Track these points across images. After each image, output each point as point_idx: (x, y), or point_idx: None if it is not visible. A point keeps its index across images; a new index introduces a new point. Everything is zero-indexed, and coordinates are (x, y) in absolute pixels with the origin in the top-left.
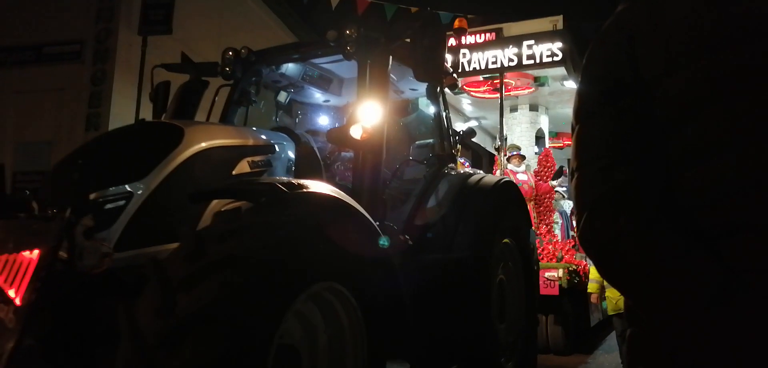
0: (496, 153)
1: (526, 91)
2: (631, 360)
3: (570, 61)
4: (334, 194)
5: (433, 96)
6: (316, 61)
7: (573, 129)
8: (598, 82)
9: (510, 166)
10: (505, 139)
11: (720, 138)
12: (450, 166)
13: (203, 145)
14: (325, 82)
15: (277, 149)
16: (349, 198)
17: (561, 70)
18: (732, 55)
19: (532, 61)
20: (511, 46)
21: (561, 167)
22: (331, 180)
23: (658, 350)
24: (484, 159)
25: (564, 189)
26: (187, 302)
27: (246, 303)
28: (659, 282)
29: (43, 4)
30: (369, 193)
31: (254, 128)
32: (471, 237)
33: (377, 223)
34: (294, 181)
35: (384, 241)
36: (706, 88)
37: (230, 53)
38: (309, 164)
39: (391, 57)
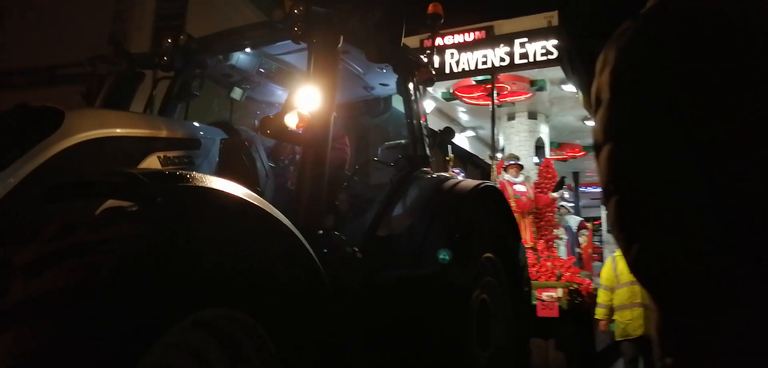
0: (490, 162)
1: (524, 97)
2: None
3: (567, 61)
4: (240, 196)
5: (403, 89)
6: (272, 51)
7: (599, 146)
8: (631, 95)
9: (507, 177)
10: (503, 149)
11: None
12: (423, 169)
13: (90, 133)
14: (285, 77)
15: (203, 144)
16: (266, 204)
17: (559, 73)
18: None
19: (525, 61)
20: (502, 45)
21: (563, 178)
22: (278, 183)
23: None
24: (468, 166)
25: (571, 204)
26: None
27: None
28: (734, 307)
29: (56, 26)
30: (309, 197)
31: (176, 119)
32: (442, 249)
33: (321, 233)
34: (182, 173)
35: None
36: (751, 97)
37: (169, 41)
38: (239, 162)
39: (342, 37)
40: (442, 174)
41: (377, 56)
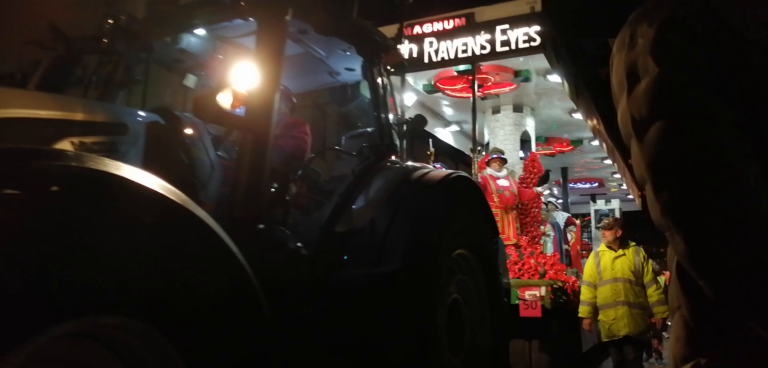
0: (472, 156)
1: (508, 89)
2: None
3: (551, 48)
4: (143, 184)
5: (367, 72)
6: (228, 34)
7: (644, 123)
8: (685, 70)
9: (489, 170)
10: (488, 144)
11: None
12: (391, 160)
13: None
14: None
15: (131, 130)
16: (178, 193)
17: (544, 62)
18: None
19: (506, 48)
20: (483, 32)
21: (548, 171)
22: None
23: None
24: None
25: (560, 201)
26: None
27: None
28: None
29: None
30: (246, 187)
31: (98, 102)
32: (406, 245)
33: (262, 228)
34: (59, 152)
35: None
36: None
37: (110, 22)
38: (172, 151)
39: (290, 9)
40: (411, 163)
41: (326, 27)
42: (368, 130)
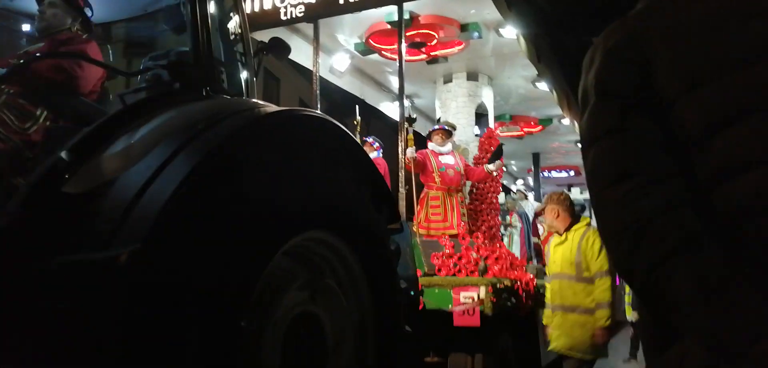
0: (408, 125)
1: (458, 49)
2: None
3: None
4: None
5: None
6: None
7: (583, 148)
8: (616, 97)
9: (431, 146)
10: (439, 120)
11: (757, 150)
12: (212, 92)
13: None
14: None
15: None
16: None
17: (494, 13)
18: (761, 67)
19: None
20: None
21: (501, 145)
22: None
23: None
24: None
25: (531, 191)
26: None
27: None
28: (723, 303)
29: None
30: None
31: None
32: (167, 211)
33: None
34: None
35: None
36: (737, 102)
37: None
38: None
39: None
40: (240, 99)
41: None
42: (182, 49)
